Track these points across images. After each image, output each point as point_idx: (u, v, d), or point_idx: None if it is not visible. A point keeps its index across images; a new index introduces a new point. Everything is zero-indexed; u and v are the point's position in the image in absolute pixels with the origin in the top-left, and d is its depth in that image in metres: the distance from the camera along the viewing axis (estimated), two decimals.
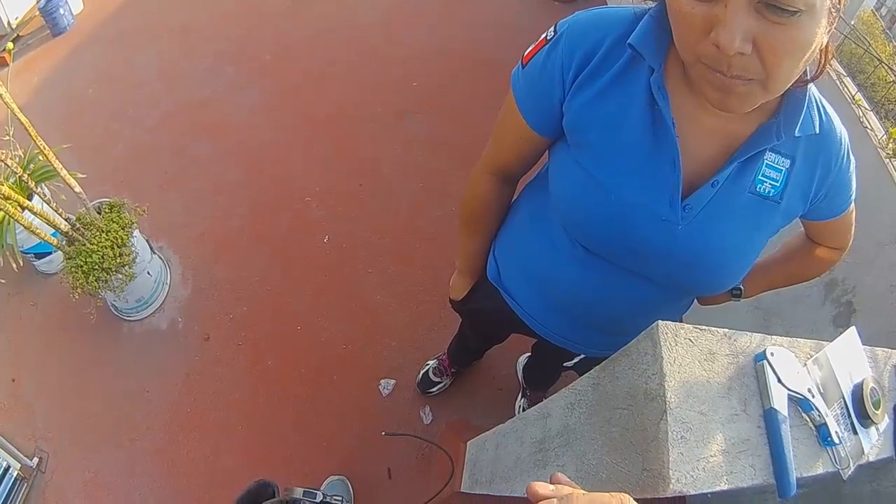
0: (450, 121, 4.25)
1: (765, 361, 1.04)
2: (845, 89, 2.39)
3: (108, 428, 3.10)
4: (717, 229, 1.16)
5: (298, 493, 1.84)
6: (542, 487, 0.69)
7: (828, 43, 0.97)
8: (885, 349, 1.33)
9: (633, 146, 1.13)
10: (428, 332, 3.15)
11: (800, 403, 1.06)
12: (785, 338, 1.12)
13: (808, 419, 1.07)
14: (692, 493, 0.88)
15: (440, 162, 3.97)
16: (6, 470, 2.95)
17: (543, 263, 1.49)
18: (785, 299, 2.34)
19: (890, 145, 2.04)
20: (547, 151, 1.38)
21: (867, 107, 2.31)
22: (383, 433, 2.70)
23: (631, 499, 0.67)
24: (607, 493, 0.66)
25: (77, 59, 5.24)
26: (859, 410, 1.14)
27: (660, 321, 1.01)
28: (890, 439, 1.22)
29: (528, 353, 2.84)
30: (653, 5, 1.09)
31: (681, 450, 0.90)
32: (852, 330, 1.25)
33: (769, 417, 0.99)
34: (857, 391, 1.16)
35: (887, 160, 2.09)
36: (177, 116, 4.53)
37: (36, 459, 3.06)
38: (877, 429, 1.17)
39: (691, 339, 1.01)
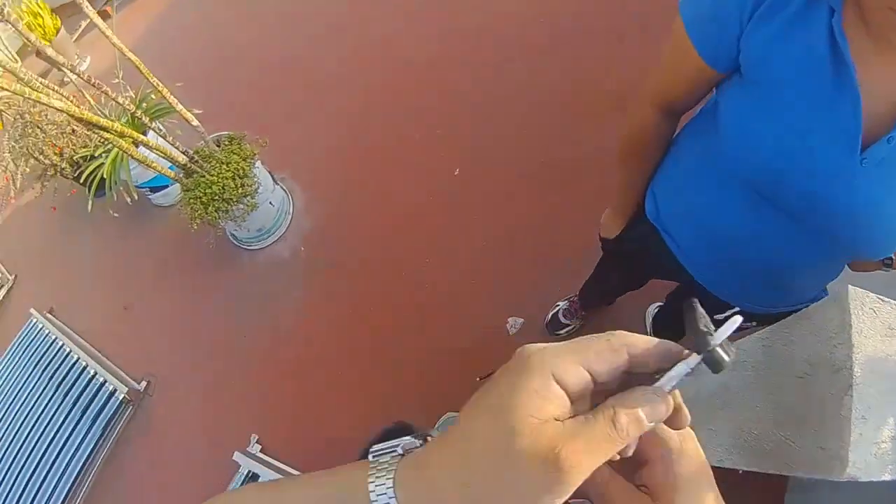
0: (587, 60, 4.00)
1: None
2: None
3: (220, 355, 3.27)
4: (890, 189, 1.09)
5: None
6: None
7: None
8: None
9: (814, 88, 1.07)
10: (561, 271, 2.98)
11: None
12: None
13: None
14: (862, 479, 0.84)
15: (579, 103, 3.76)
16: (112, 394, 3.25)
17: (708, 204, 1.44)
18: None
19: None
20: (714, 88, 1.32)
21: None
22: (478, 378, 2.70)
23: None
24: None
25: (182, 5, 5.35)
26: None
27: (851, 287, 0.97)
28: None
29: (660, 304, 2.79)
30: None
31: (861, 430, 0.88)
32: None
33: None
34: None
35: None
36: (299, 50, 4.52)
37: (144, 383, 3.31)
38: None
39: (874, 309, 0.98)
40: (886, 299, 0.98)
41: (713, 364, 0.55)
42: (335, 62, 4.32)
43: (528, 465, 0.44)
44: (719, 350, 0.54)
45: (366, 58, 4.28)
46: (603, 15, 3.88)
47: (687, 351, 0.51)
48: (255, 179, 3.04)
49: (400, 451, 0.55)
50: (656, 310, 2.79)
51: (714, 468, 0.58)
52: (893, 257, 1.53)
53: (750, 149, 1.19)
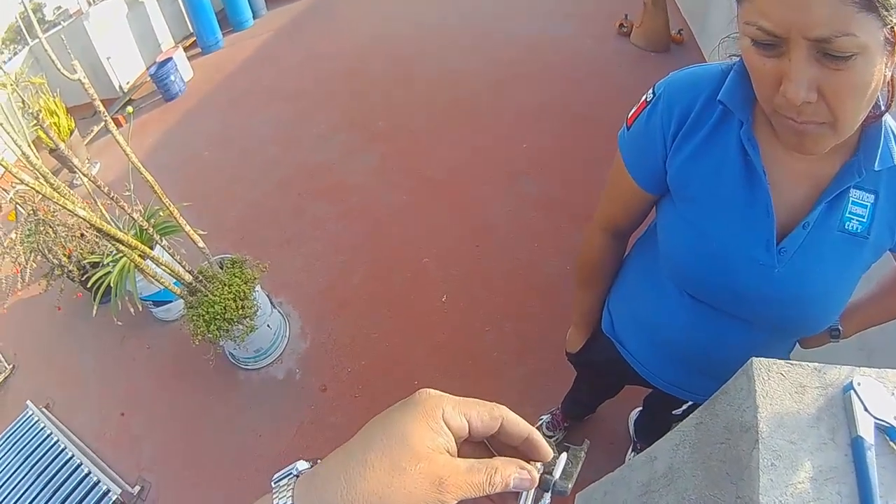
0: (559, 180, 4.41)
1: (851, 391, 1.09)
2: None
3: (215, 467, 3.32)
4: (812, 269, 1.24)
5: None
6: None
7: (893, 75, 1.04)
8: None
9: (731, 196, 1.24)
10: (543, 387, 3.20)
11: (887, 432, 1.07)
12: (874, 369, 1.17)
13: (895, 447, 1.07)
14: None
15: (552, 221, 4.10)
16: (105, 494, 3.25)
17: (653, 313, 1.61)
18: (890, 336, 2.29)
19: None
20: (655, 207, 1.51)
21: None
22: None
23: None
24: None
25: (191, 123, 5.79)
26: None
27: (754, 358, 1.10)
28: None
29: (640, 408, 2.88)
30: (737, 60, 1.19)
31: (770, 476, 0.98)
32: None
33: (856, 445, 1.03)
34: None
35: None
36: (294, 179, 4.91)
37: (138, 488, 3.31)
38: None
39: (783, 373, 1.10)
40: (796, 363, 1.10)
41: (559, 494, 0.72)
42: (336, 192, 4.72)
43: (420, 482, 0.58)
44: (559, 483, 0.71)
45: (364, 189, 4.70)
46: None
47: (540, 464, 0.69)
48: (255, 302, 3.22)
49: (295, 472, 0.65)
50: (637, 414, 2.88)
51: None
52: (840, 328, 1.64)
53: (679, 259, 1.38)
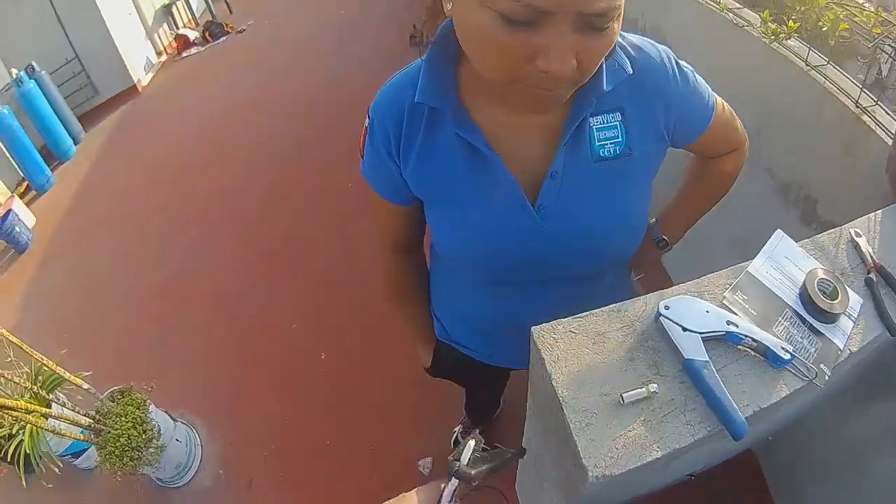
0: None
1: (662, 318, 1.03)
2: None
3: None
4: (582, 211, 1.20)
5: None
6: None
7: None
8: (833, 230, 1.29)
9: (470, 182, 1.20)
10: (443, 405, 3.17)
11: (727, 338, 1.02)
12: (682, 284, 1.13)
13: (748, 350, 1.03)
14: (617, 472, 0.88)
15: None
16: None
17: (469, 306, 1.58)
18: (753, 224, 2.28)
19: (769, 30, 2.03)
20: None
21: (738, 5, 2.36)
22: None
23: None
24: None
25: (48, 268, 5.62)
26: (813, 310, 1.08)
27: (534, 327, 1.06)
28: (872, 313, 1.13)
29: None
30: (427, 52, 1.16)
31: (589, 436, 0.92)
32: (777, 233, 1.22)
33: (689, 369, 0.98)
34: (804, 292, 1.09)
35: (772, 45, 2.09)
36: (153, 296, 4.84)
37: None
38: (848, 316, 1.10)
39: (572, 330, 1.05)
40: (587, 314, 1.06)
41: (463, 479, 0.75)
42: (192, 297, 4.72)
43: None
44: (463, 468, 0.72)
45: (222, 283, 4.75)
46: None
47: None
48: (154, 423, 3.13)
49: None
50: None
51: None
52: (666, 238, 1.60)
53: (457, 255, 1.36)
